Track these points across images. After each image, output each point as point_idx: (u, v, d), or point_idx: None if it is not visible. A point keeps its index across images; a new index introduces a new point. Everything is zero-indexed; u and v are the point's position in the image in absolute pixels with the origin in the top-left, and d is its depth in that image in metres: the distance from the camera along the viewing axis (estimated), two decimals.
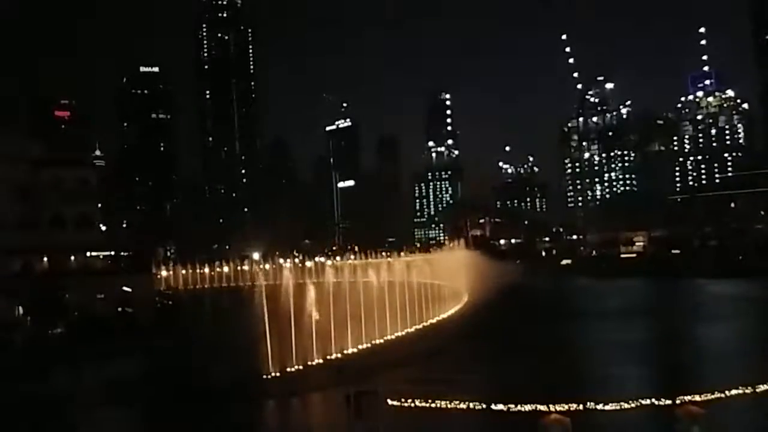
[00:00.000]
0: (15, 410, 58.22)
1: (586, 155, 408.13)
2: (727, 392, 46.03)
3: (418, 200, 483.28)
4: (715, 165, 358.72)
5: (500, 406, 45.06)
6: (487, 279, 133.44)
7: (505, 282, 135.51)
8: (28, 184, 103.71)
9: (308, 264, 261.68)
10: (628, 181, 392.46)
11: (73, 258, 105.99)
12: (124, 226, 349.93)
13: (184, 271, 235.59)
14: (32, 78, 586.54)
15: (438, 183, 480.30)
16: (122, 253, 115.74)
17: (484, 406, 46.04)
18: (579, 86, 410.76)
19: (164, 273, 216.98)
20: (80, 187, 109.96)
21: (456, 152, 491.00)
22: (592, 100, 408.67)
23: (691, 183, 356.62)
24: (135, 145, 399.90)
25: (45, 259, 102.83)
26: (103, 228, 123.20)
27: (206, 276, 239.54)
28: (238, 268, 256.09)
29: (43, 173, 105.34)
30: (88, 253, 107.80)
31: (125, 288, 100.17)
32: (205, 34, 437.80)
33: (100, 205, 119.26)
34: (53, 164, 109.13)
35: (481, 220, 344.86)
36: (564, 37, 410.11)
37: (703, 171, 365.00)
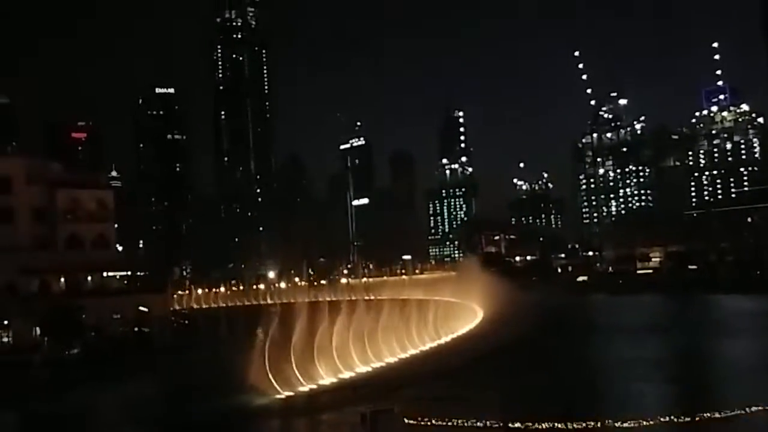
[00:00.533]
0: (27, 429, 58.44)
1: (601, 171, 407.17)
2: (747, 409, 45.50)
3: (432, 217, 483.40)
4: (731, 179, 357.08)
5: (517, 424, 44.74)
6: (501, 295, 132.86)
7: (520, 299, 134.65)
8: (45, 205, 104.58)
9: (323, 282, 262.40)
10: (643, 197, 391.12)
11: (89, 278, 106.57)
12: (141, 246, 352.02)
13: (199, 291, 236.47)
14: (49, 99, 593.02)
15: (452, 200, 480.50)
16: (138, 273, 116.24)
17: (501, 424, 45.72)
18: (592, 102, 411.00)
19: (180, 292, 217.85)
20: (97, 208, 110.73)
21: (470, 169, 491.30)
22: (605, 115, 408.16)
23: (706, 198, 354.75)
24: (151, 165, 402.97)
25: (62, 279, 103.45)
26: (120, 248, 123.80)
27: (222, 295, 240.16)
28: (254, 286, 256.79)
29: (60, 194, 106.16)
30: (104, 273, 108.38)
31: (141, 308, 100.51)
32: (219, 54, 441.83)
33: (116, 225, 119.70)
34: (70, 185, 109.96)
35: (496, 237, 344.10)
36: (577, 53, 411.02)
37: (718, 186, 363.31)
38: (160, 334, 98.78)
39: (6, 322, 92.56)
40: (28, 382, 73.88)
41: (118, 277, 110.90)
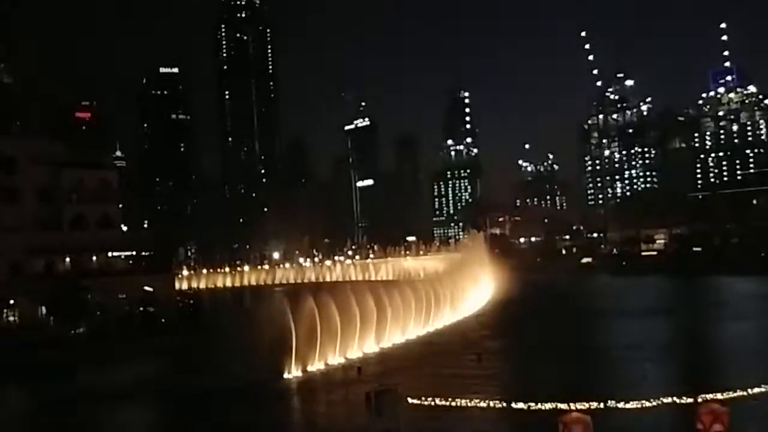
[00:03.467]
0: (38, 408, 58.96)
1: (606, 152, 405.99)
2: (749, 390, 45.65)
3: (437, 199, 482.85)
4: (737, 161, 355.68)
5: (520, 405, 44.97)
6: (505, 277, 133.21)
7: (524, 281, 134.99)
8: (50, 185, 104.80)
9: (328, 263, 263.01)
10: (648, 179, 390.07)
11: (94, 258, 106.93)
12: (145, 226, 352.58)
13: (205, 271, 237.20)
14: (53, 80, 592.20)
15: (457, 181, 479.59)
16: (143, 253, 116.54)
17: (504, 404, 45.95)
18: (599, 83, 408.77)
19: (185, 273, 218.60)
20: (101, 188, 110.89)
21: (475, 150, 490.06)
22: (612, 97, 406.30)
23: (712, 180, 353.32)
24: (155, 145, 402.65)
25: (67, 259, 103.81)
26: (124, 228, 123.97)
27: (227, 275, 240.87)
28: (259, 267, 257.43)
29: (64, 174, 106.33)
30: (109, 254, 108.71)
31: (147, 288, 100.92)
32: (223, 34, 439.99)
33: (120, 205, 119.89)
34: (75, 165, 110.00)
35: (501, 219, 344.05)
36: (583, 34, 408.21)
37: (724, 168, 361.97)
38: (165, 314, 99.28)
39: (12, 302, 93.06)
40: (33, 361, 74.42)
41: (122, 257, 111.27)
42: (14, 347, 78.56)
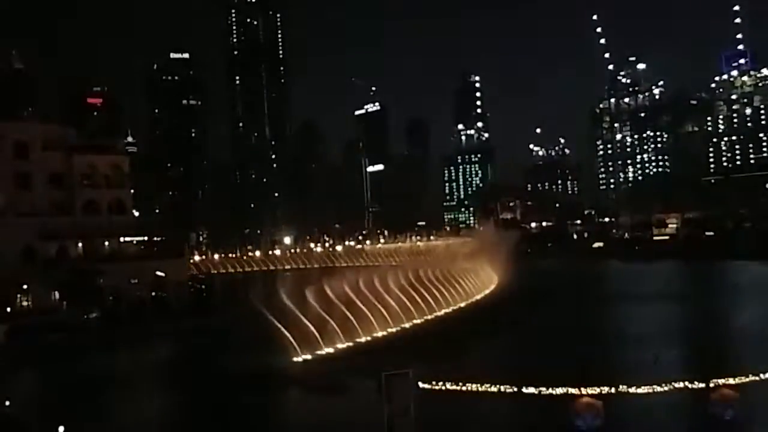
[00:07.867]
0: (57, 390, 59.48)
1: (618, 137, 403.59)
2: (761, 375, 45.52)
3: (447, 183, 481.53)
4: (750, 145, 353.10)
5: (531, 389, 45.02)
6: (517, 262, 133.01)
7: (535, 266, 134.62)
8: (62, 171, 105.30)
9: (338, 248, 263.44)
10: (660, 163, 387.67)
11: (106, 243, 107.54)
12: (157, 211, 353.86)
13: (216, 256, 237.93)
14: (64, 65, 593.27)
15: (468, 166, 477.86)
16: (155, 238, 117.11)
17: (515, 389, 46.00)
18: (611, 67, 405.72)
19: (197, 257, 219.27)
20: (113, 173, 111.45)
21: (486, 135, 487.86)
22: (623, 80, 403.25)
23: (725, 164, 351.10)
24: (166, 131, 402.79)
25: (79, 244, 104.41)
26: (136, 213, 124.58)
27: (238, 260, 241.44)
28: (270, 252, 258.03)
29: (76, 159, 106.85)
30: (121, 239, 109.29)
31: (158, 272, 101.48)
32: (234, 19, 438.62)
33: (132, 190, 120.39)
34: (87, 151, 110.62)
35: (512, 204, 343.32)
36: (595, 17, 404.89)
37: (737, 151, 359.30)
38: (177, 299, 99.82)
39: (25, 286, 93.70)
40: (48, 344, 75.02)
41: (134, 242, 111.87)
42: (28, 331, 79.19)
